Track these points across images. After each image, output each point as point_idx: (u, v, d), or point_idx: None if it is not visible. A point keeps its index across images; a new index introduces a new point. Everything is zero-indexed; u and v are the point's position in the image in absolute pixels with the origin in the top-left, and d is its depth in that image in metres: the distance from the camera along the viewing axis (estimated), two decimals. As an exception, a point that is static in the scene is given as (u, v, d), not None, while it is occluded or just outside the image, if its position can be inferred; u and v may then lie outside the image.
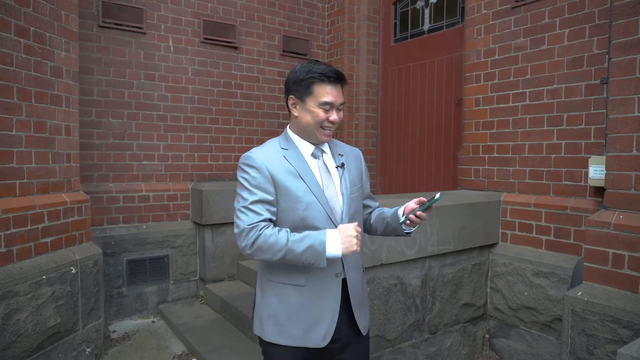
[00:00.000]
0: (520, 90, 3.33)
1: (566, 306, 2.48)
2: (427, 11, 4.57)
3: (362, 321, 1.75)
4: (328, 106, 1.61)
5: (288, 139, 1.72)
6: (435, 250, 3.03)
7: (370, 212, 1.92)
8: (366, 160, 1.97)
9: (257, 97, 4.87)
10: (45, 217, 2.91)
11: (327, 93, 1.60)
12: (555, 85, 3.13)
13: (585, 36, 2.97)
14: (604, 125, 2.80)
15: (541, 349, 3.14)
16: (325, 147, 1.76)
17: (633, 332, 2.19)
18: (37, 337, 2.73)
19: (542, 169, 3.22)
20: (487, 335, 3.51)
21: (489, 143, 3.56)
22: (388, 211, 1.81)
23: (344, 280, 1.68)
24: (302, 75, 1.61)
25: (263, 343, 1.71)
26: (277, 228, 1.55)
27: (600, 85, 2.89)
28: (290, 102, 1.67)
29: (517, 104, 3.35)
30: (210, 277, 4.30)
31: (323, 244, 1.50)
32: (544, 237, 3.19)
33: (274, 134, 4.89)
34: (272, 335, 1.66)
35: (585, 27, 2.97)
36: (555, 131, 3.14)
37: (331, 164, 1.74)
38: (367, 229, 1.91)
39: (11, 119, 2.69)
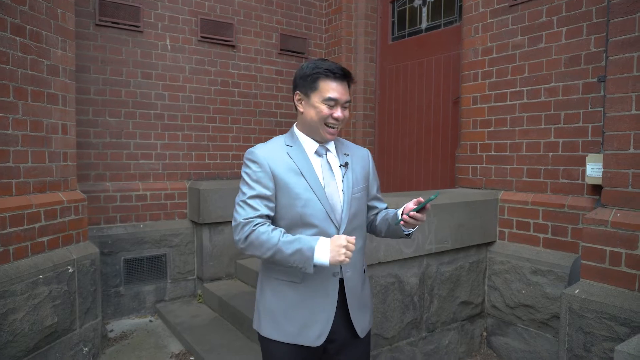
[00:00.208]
0: (518, 89, 3.33)
1: (563, 304, 2.48)
2: (424, 9, 4.57)
3: (361, 324, 1.72)
4: (332, 102, 1.61)
5: (293, 136, 1.72)
6: (433, 249, 3.04)
7: (377, 214, 1.88)
8: (364, 158, 1.95)
9: (254, 96, 4.86)
10: (42, 217, 2.90)
11: (332, 89, 1.60)
12: (552, 84, 3.14)
13: (583, 34, 2.97)
14: (602, 124, 2.81)
15: (539, 346, 3.15)
16: (331, 146, 1.74)
17: (630, 330, 2.20)
18: (34, 337, 2.72)
19: (540, 167, 3.22)
20: (484, 333, 3.52)
21: (486, 141, 3.57)
22: (391, 212, 1.79)
23: (342, 281, 1.66)
24: (309, 71, 1.63)
25: (260, 338, 1.72)
26: (272, 227, 1.56)
27: (598, 83, 2.90)
28: (296, 97, 1.68)
29: (515, 102, 3.36)
30: (208, 276, 4.29)
31: (312, 250, 1.48)
32: (541, 235, 3.20)
33: (272, 133, 4.90)
34: (268, 330, 1.67)
35: (582, 25, 2.97)
36: (552, 129, 3.15)
37: (335, 162, 1.72)
38: (373, 230, 1.89)
39: (7, 117, 2.68)
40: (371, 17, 5.08)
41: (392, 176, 4.93)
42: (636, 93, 2.32)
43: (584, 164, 2.95)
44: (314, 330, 1.62)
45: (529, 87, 3.26)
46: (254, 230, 1.53)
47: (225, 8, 4.62)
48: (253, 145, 1.72)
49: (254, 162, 1.62)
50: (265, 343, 1.70)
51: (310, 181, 1.62)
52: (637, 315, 2.18)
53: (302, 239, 1.51)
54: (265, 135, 4.84)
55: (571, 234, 3.04)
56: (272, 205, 1.61)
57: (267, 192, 1.59)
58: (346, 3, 5.04)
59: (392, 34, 4.97)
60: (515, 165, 3.37)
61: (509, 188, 3.43)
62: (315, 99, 1.62)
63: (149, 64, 4.23)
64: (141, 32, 4.16)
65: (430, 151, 4.49)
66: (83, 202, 3.29)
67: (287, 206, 1.61)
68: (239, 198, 1.61)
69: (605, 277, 2.40)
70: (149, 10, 4.19)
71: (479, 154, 3.62)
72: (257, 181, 1.59)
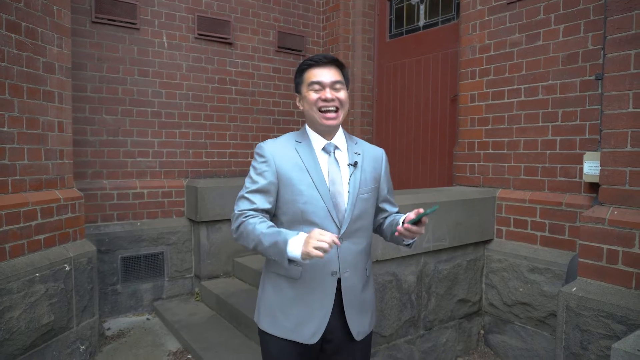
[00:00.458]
0: (516, 87, 3.33)
1: (561, 302, 2.48)
2: (422, 7, 4.56)
3: (357, 327, 1.68)
4: (317, 85, 1.62)
5: (304, 133, 1.73)
6: (431, 247, 3.04)
7: (386, 217, 1.84)
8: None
9: (252, 94, 4.85)
10: (39, 214, 2.89)
11: (314, 74, 1.63)
12: (550, 82, 3.13)
13: (580, 32, 2.97)
14: (599, 121, 2.81)
15: (536, 344, 3.16)
16: (341, 144, 1.72)
17: (627, 327, 2.20)
18: (31, 335, 2.71)
19: (537, 165, 3.23)
20: (482, 331, 3.52)
21: (484, 139, 3.57)
22: (399, 217, 1.73)
23: (340, 281, 1.64)
24: (298, 67, 1.69)
25: (259, 331, 1.73)
26: (262, 219, 1.56)
27: (595, 81, 2.90)
28: (297, 98, 1.73)
29: (513, 100, 3.36)
30: (206, 274, 4.29)
31: (285, 243, 1.44)
32: (538, 233, 3.20)
33: (269, 131, 4.89)
34: (266, 324, 1.68)
35: (580, 23, 2.97)
36: (550, 127, 3.15)
37: (344, 161, 1.70)
38: (380, 233, 1.87)
39: (3, 115, 2.67)
40: (369, 15, 5.07)
41: (390, 174, 4.92)
42: (633, 91, 2.32)
43: (581, 162, 2.95)
44: (309, 327, 1.62)
45: (527, 85, 3.26)
46: (244, 221, 1.57)
47: (223, 5, 4.60)
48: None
49: (261, 155, 1.65)
50: (264, 337, 1.71)
51: (315, 178, 1.61)
52: (634, 313, 2.18)
53: (283, 232, 1.49)
54: (263, 133, 4.83)
55: (569, 232, 3.04)
56: (271, 199, 1.62)
57: (268, 187, 1.61)
58: (344, 0, 5.02)
59: (390, 31, 4.96)
60: (512, 163, 3.37)
61: (506, 186, 3.43)
62: (304, 89, 1.66)
63: (145, 61, 4.21)
64: (138, 29, 4.14)
65: (428, 149, 4.49)
66: (80, 200, 3.28)
67: (289, 202, 1.62)
68: (241, 192, 1.65)
69: (603, 275, 2.41)
70: (146, 7, 4.17)
71: (476, 151, 3.62)
72: (260, 174, 1.62)
